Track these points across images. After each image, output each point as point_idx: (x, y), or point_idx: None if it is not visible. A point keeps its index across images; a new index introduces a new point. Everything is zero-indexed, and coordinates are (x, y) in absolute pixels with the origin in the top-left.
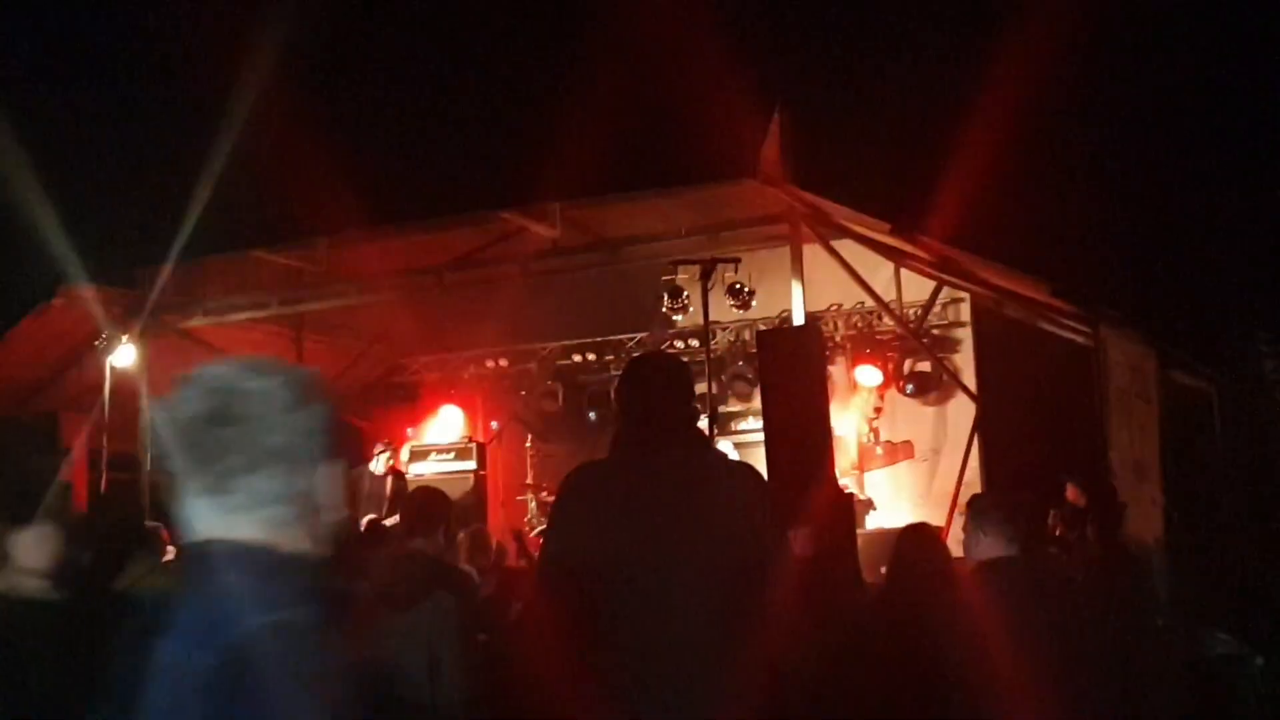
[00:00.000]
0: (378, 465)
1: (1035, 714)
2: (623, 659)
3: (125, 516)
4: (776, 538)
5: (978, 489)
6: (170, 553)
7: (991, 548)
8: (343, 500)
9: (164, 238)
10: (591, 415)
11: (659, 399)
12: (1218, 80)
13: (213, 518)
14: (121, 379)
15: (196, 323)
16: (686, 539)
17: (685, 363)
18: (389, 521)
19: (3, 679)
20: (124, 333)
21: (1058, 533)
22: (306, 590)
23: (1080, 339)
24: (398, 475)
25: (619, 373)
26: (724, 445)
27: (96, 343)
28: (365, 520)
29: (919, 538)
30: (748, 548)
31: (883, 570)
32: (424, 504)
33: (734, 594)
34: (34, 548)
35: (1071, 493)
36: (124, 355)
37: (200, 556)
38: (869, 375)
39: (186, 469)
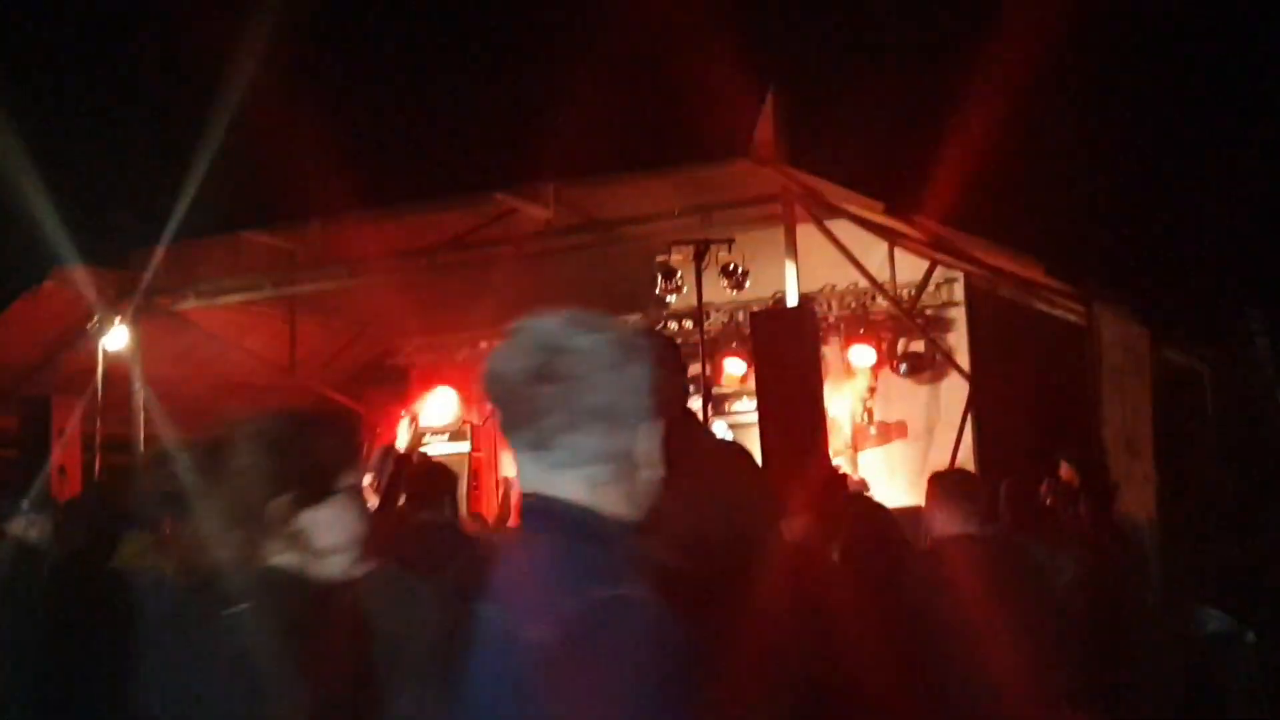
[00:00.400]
0: (403, 441)
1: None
2: None
3: (118, 498)
4: (768, 517)
5: (971, 468)
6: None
7: (948, 524)
8: (660, 460)
9: (157, 219)
10: None
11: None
12: (1213, 59)
13: (535, 473)
14: (114, 361)
15: (189, 305)
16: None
17: (674, 341)
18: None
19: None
20: (116, 315)
21: (1049, 502)
22: (636, 561)
23: (1073, 318)
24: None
25: None
26: (718, 426)
27: (89, 325)
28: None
29: (866, 512)
30: (738, 528)
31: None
32: (429, 477)
33: (723, 575)
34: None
35: (1065, 471)
36: (117, 337)
37: (529, 510)
38: (862, 355)
39: (509, 423)
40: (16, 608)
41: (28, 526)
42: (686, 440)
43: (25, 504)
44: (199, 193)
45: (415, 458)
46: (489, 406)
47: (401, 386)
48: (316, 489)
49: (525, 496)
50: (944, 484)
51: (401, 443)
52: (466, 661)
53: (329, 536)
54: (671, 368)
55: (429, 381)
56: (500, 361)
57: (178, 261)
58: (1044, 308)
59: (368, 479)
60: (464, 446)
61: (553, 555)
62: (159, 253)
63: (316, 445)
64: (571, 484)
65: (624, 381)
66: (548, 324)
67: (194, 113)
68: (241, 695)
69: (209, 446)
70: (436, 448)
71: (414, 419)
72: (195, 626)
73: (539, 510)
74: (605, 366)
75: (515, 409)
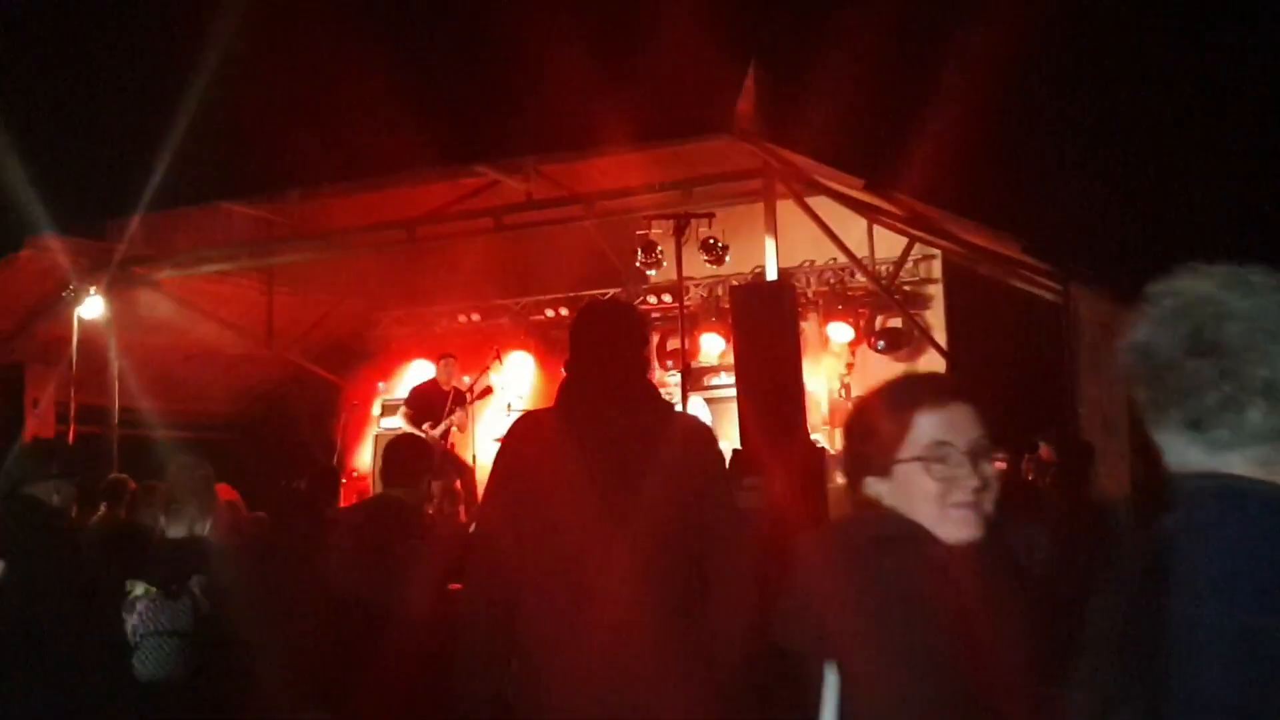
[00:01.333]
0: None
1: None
2: (556, 623)
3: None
4: (725, 495)
5: None
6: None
7: None
8: None
9: (133, 188)
10: (564, 371)
11: (608, 347)
12: (1194, 40)
13: (1193, 454)
14: (90, 331)
15: (166, 275)
16: (629, 493)
17: (640, 310)
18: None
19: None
20: (92, 284)
21: (1030, 478)
22: None
23: (1051, 296)
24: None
25: None
26: (696, 400)
27: (64, 294)
28: None
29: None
30: (693, 505)
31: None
32: (404, 455)
33: (678, 552)
34: None
35: (1045, 452)
36: (92, 307)
37: (1198, 494)
38: (841, 331)
39: (1156, 401)
40: (45, 568)
41: (52, 491)
42: None
43: (55, 468)
44: (176, 162)
45: (471, 391)
46: (1139, 387)
47: (380, 358)
48: None
49: (1186, 478)
50: None
51: (446, 380)
52: (1187, 667)
53: None
54: None
55: (407, 354)
56: (1147, 332)
57: (155, 231)
58: (1021, 285)
59: (404, 414)
60: None
61: (1254, 536)
62: (135, 222)
63: None
64: (1240, 466)
65: None
66: (1200, 285)
67: (172, 81)
68: None
69: None
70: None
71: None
72: None
73: (1221, 492)
74: (1272, 334)
75: (1165, 385)
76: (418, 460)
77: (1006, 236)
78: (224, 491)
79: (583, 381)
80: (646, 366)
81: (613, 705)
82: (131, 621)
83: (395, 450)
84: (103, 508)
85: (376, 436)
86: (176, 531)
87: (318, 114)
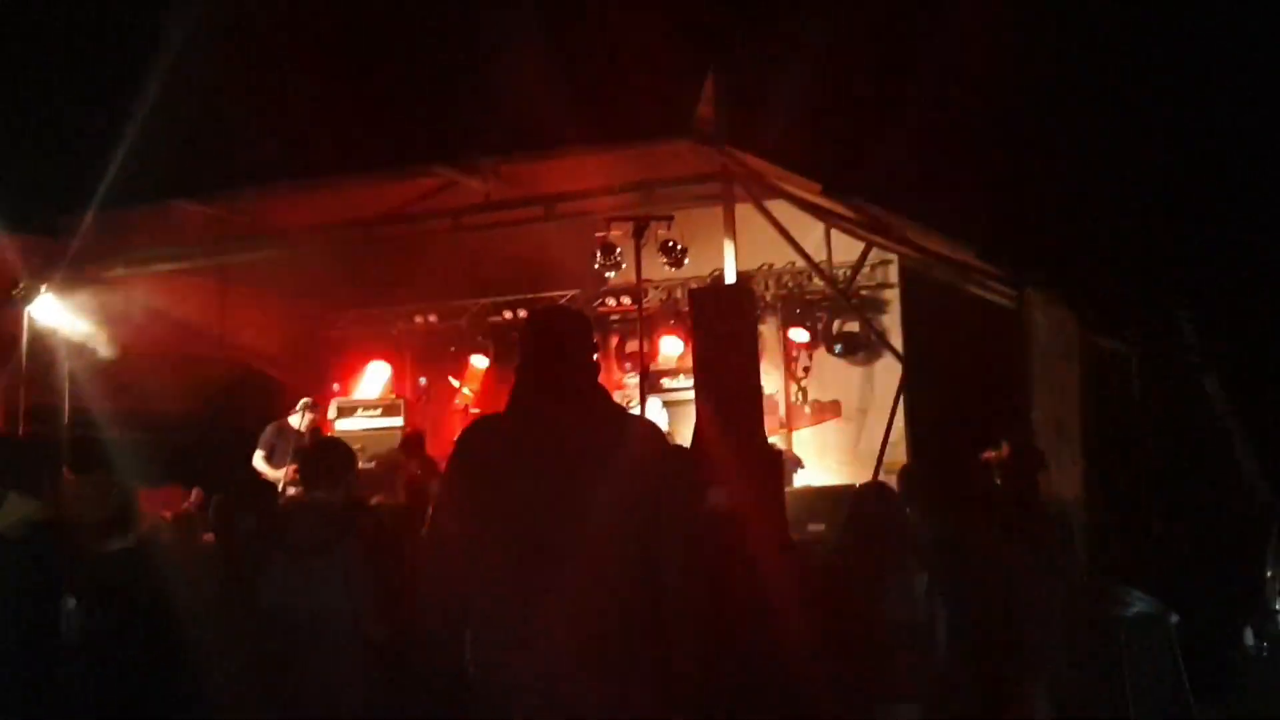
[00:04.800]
0: (300, 421)
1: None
2: (510, 627)
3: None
4: (681, 495)
5: (902, 448)
6: None
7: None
8: None
9: (85, 186)
10: (516, 375)
11: (559, 353)
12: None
13: None
14: (40, 329)
15: (118, 273)
16: (580, 496)
17: (586, 316)
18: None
19: None
20: (43, 282)
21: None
22: None
23: (1005, 302)
24: (316, 431)
25: None
26: (654, 403)
27: (14, 292)
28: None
29: (880, 497)
30: (647, 507)
31: (813, 526)
32: (323, 457)
33: (630, 553)
34: None
35: (1005, 451)
36: (43, 305)
37: None
38: (798, 335)
39: None
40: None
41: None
42: None
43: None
44: (129, 160)
45: (310, 437)
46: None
47: (335, 360)
48: None
49: None
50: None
51: (297, 421)
52: None
53: None
54: None
55: (363, 355)
56: None
57: (107, 229)
58: (977, 291)
59: (260, 454)
60: (397, 421)
61: None
62: (88, 220)
63: None
64: None
65: None
66: None
67: (126, 78)
68: None
69: None
70: (369, 422)
71: (317, 401)
72: None
73: None
74: None
75: None
76: (339, 459)
77: (962, 242)
78: (173, 495)
79: (534, 386)
80: (597, 370)
81: (567, 707)
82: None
83: (316, 452)
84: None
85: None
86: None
87: (273, 112)
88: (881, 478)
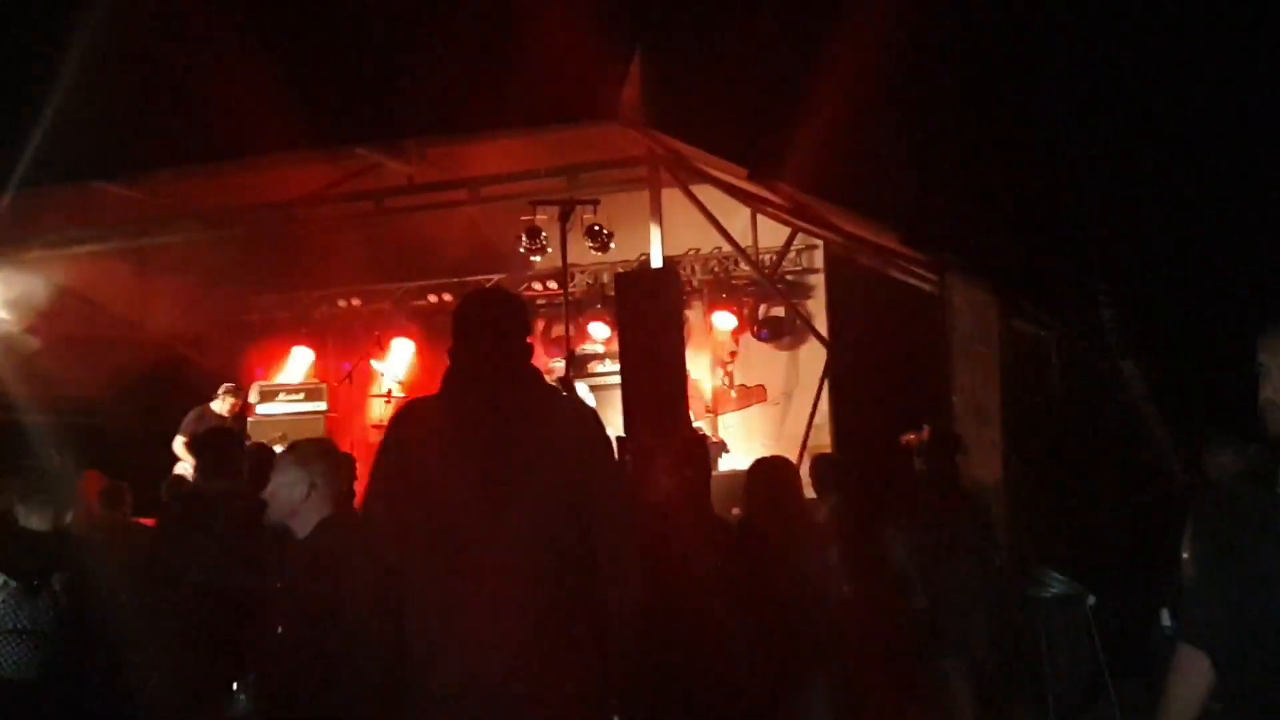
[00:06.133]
0: (221, 406)
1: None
2: (444, 607)
3: None
4: (613, 478)
5: (827, 432)
6: None
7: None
8: None
9: (2, 166)
10: (448, 357)
11: (493, 335)
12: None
13: None
14: None
15: (35, 255)
16: (515, 478)
17: (521, 299)
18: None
19: None
20: None
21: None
22: None
23: (927, 286)
24: (238, 418)
25: None
26: (581, 387)
27: None
28: None
29: (772, 469)
30: (580, 488)
31: (734, 510)
32: (217, 446)
33: (565, 535)
34: None
35: (927, 433)
36: None
37: None
38: (724, 319)
39: None
40: None
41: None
42: None
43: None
44: (46, 140)
45: (228, 423)
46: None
47: (257, 344)
48: None
49: None
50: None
51: (219, 406)
52: None
53: None
54: None
55: (285, 339)
56: None
57: (23, 210)
58: (900, 276)
59: (180, 440)
60: (320, 405)
61: None
62: (4, 201)
63: None
64: None
65: None
66: None
67: (43, 55)
68: None
69: None
70: (291, 406)
71: (238, 386)
72: None
73: None
74: None
75: None
76: (237, 449)
77: (886, 228)
78: (94, 479)
79: (467, 368)
80: (530, 352)
81: (502, 686)
82: None
83: (212, 442)
84: None
85: (251, 424)
86: (37, 524)
87: (194, 93)
88: (805, 462)
